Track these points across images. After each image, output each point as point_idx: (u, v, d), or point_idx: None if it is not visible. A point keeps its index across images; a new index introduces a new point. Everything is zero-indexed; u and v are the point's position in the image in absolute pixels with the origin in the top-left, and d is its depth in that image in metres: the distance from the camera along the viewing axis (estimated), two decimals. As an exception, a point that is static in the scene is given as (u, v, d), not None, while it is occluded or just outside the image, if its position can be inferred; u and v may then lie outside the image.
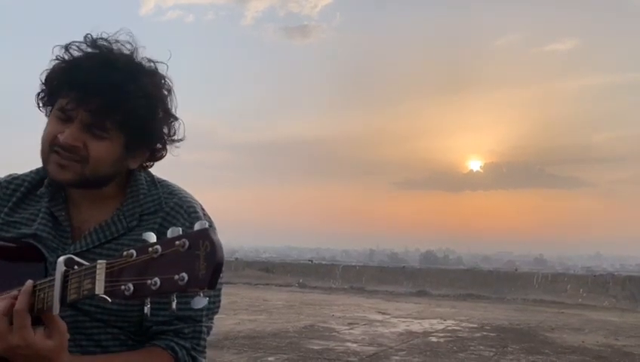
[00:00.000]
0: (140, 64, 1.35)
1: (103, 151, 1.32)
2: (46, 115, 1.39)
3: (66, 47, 1.34)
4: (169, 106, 1.38)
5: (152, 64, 1.37)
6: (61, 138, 1.30)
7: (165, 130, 1.38)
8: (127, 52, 1.35)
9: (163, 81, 1.37)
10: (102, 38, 1.35)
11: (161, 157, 1.43)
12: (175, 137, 1.40)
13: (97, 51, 1.33)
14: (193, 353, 1.35)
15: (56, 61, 1.35)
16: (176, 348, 1.33)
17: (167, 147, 1.42)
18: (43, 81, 1.37)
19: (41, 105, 1.40)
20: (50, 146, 1.32)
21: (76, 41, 1.35)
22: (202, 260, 0.88)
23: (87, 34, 1.35)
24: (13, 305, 1.11)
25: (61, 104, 1.31)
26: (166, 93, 1.37)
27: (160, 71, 1.38)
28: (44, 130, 1.35)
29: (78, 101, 1.28)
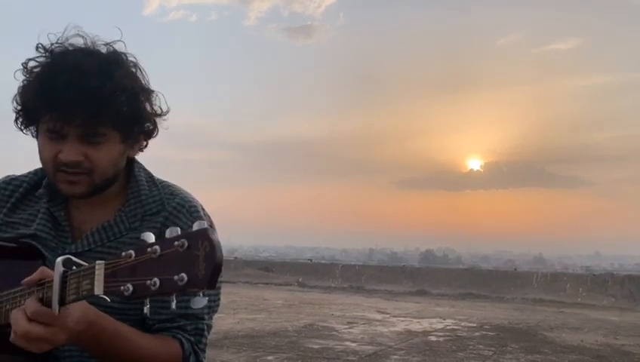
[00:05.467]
0: (107, 57, 1.33)
1: (104, 155, 1.32)
2: (33, 135, 1.38)
3: (26, 66, 1.33)
4: (144, 83, 1.37)
5: (110, 47, 1.35)
6: (63, 157, 1.30)
7: (150, 108, 1.38)
8: (87, 48, 1.33)
9: (129, 60, 1.36)
10: (57, 43, 1.33)
11: (154, 136, 1.43)
12: (160, 111, 1.40)
13: (61, 61, 1.30)
14: (195, 348, 1.36)
15: (24, 83, 1.33)
16: (183, 340, 1.34)
17: (157, 123, 1.41)
18: (18, 106, 1.35)
19: (23, 128, 1.38)
20: (54, 167, 1.32)
21: (33, 58, 1.33)
22: (201, 260, 0.88)
23: (38, 43, 1.33)
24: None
25: (47, 125, 1.30)
26: (136, 71, 1.36)
27: (120, 51, 1.35)
28: (40, 152, 1.35)
29: (64, 119, 1.27)
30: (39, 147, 1.35)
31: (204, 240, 0.89)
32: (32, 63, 1.33)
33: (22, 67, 1.34)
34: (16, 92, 1.35)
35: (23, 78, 1.34)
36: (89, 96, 1.25)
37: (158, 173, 1.51)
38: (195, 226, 0.91)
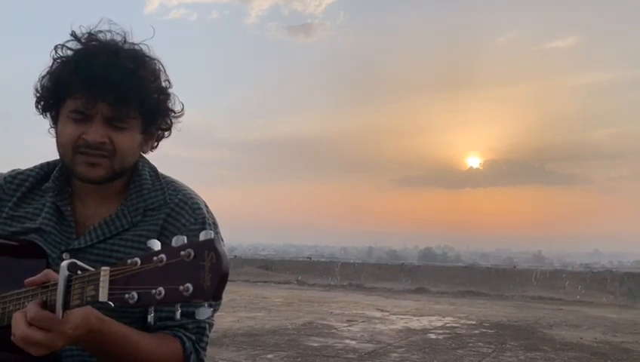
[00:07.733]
0: (138, 50, 1.38)
1: (127, 141, 1.35)
2: (52, 119, 1.40)
3: (59, 49, 1.36)
4: (169, 83, 1.42)
5: (138, 46, 1.39)
6: (88, 138, 1.32)
7: (171, 106, 1.43)
8: (120, 39, 1.38)
9: (156, 61, 1.41)
10: (89, 33, 1.37)
11: (167, 135, 1.47)
12: (177, 112, 1.45)
13: (98, 46, 1.34)
14: (196, 346, 1.37)
15: (57, 64, 1.36)
16: (184, 338, 1.35)
17: (173, 123, 1.46)
18: (45, 86, 1.37)
19: (43, 111, 1.40)
20: (75, 148, 1.34)
21: (66, 43, 1.36)
22: (207, 271, 0.89)
23: (72, 31, 1.37)
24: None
25: (75, 105, 1.32)
26: (163, 71, 1.41)
27: (147, 52, 1.40)
28: (60, 134, 1.37)
29: (96, 97, 1.30)
30: (59, 129, 1.37)
31: (211, 250, 0.89)
32: (64, 49, 1.36)
33: (54, 50, 1.36)
34: (42, 74, 1.37)
35: (56, 58, 1.36)
36: (125, 76, 1.30)
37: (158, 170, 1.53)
38: (202, 236, 0.92)
